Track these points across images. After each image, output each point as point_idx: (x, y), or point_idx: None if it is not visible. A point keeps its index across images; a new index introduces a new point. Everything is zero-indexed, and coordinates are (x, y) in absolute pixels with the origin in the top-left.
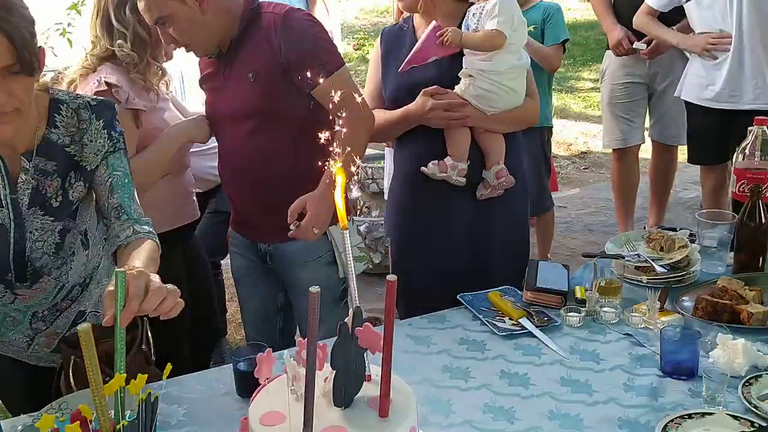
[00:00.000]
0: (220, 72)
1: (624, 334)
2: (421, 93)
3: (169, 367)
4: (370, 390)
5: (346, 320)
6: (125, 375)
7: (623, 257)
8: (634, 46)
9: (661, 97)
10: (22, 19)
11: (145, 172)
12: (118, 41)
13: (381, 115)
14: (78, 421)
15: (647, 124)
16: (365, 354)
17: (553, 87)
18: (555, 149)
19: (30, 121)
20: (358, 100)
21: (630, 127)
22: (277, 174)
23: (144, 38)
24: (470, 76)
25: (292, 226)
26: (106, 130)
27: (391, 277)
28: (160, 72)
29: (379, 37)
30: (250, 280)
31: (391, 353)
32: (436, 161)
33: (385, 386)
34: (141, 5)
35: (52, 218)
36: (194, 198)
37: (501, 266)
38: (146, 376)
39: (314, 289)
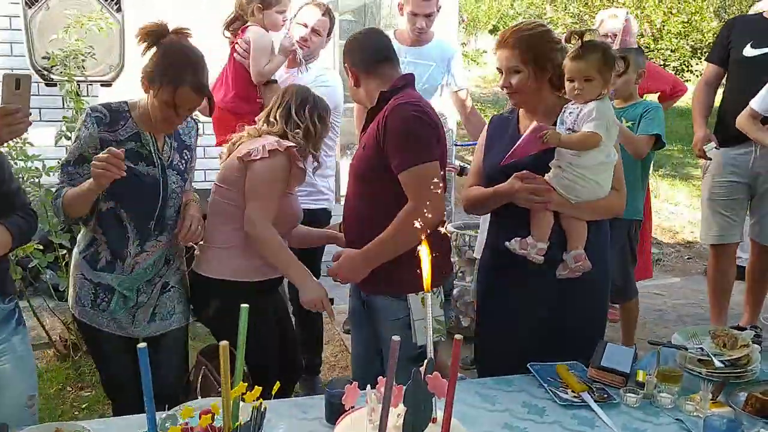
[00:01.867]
0: (361, 131)
1: (676, 419)
2: (513, 176)
3: (277, 384)
4: (434, 430)
5: (420, 368)
6: (246, 384)
7: (687, 349)
8: (705, 148)
9: (763, 197)
10: None
11: (262, 242)
12: (295, 130)
13: (475, 192)
14: (209, 414)
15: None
16: (434, 399)
17: (668, 173)
18: (660, 236)
19: None
20: (425, 204)
21: (729, 224)
22: (373, 234)
23: (311, 133)
24: (559, 167)
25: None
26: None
27: (458, 337)
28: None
29: (488, 122)
30: (357, 320)
31: (452, 398)
32: (518, 238)
33: (446, 426)
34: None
35: (180, 177)
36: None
37: (574, 344)
38: (261, 388)
39: (396, 338)
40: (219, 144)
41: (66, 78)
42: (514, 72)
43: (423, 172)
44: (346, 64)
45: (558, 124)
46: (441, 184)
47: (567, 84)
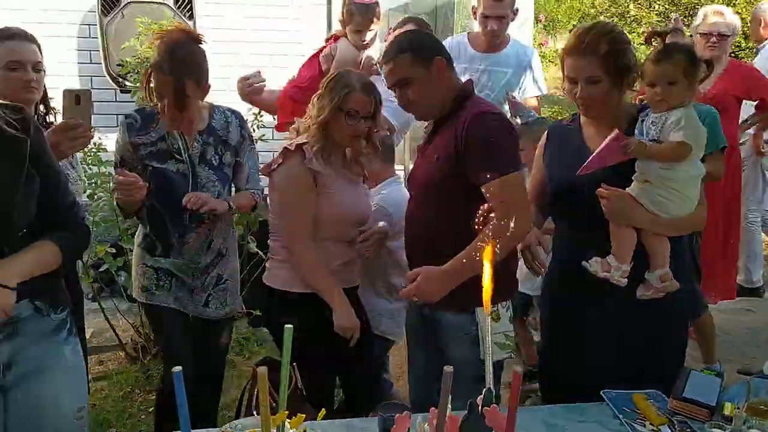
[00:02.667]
0: (425, 142)
1: None
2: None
3: (323, 411)
4: None
5: (478, 399)
6: (287, 412)
7: None
8: None
9: None
10: None
11: (296, 261)
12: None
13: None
14: None
15: None
16: None
17: None
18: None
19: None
20: (512, 216)
21: None
22: (444, 250)
23: (324, 120)
24: (647, 181)
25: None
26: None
27: (517, 369)
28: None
29: (546, 133)
30: (417, 336)
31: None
32: (599, 259)
33: None
34: (386, 68)
35: (213, 173)
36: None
37: (652, 370)
38: (303, 416)
39: (448, 368)
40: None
41: (138, 85)
42: (591, 82)
43: (511, 181)
44: None
45: (637, 134)
46: (527, 197)
47: (648, 90)
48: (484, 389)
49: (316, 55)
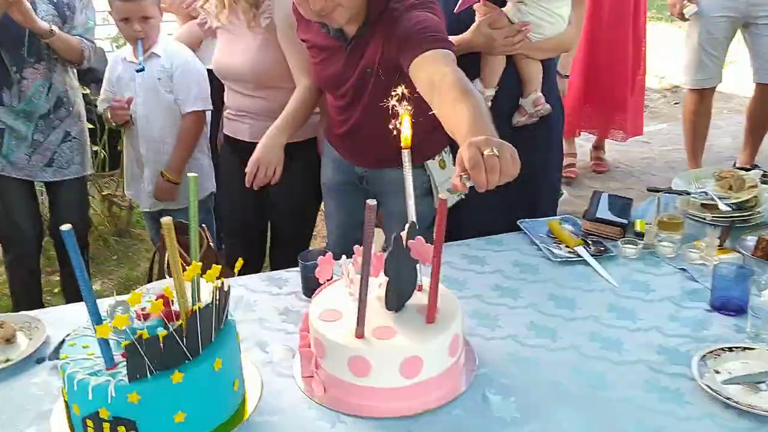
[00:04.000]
0: (337, 49)
1: (679, 268)
2: (478, 24)
3: (240, 261)
4: (420, 299)
5: (401, 233)
6: (201, 264)
7: (689, 194)
8: (684, 11)
9: (758, 34)
10: None
11: None
12: None
13: None
14: (161, 299)
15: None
16: (418, 266)
17: (653, 15)
18: (647, 81)
19: None
20: None
21: (714, 65)
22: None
23: None
24: (520, 1)
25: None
26: None
27: (443, 196)
28: None
29: None
30: (340, 194)
31: (439, 266)
32: None
33: (433, 295)
34: None
35: (53, 7)
36: None
37: (545, 190)
38: (220, 267)
39: (371, 202)
40: None
41: None
42: None
43: None
44: None
45: None
46: None
47: None
48: (408, 224)
49: None
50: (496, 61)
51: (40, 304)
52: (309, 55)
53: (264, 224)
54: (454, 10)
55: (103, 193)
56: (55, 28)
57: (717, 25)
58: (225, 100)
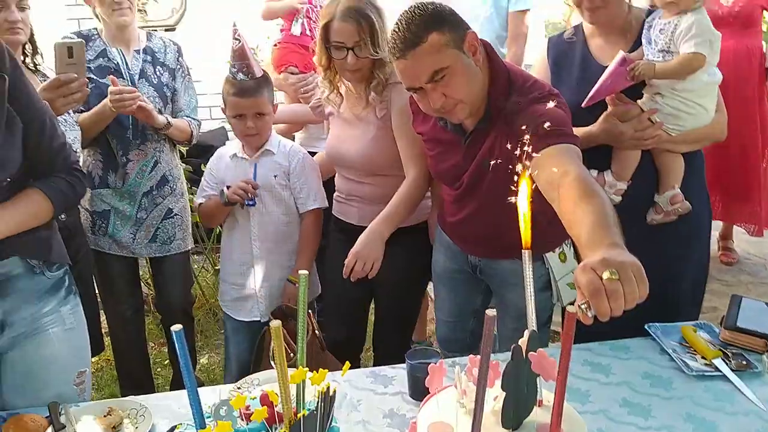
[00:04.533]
0: (455, 143)
1: None
2: (605, 116)
3: (347, 365)
4: (540, 415)
5: (520, 342)
6: (307, 369)
7: None
8: None
9: None
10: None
11: None
12: None
13: None
14: (266, 406)
15: None
16: (538, 378)
17: None
18: None
19: None
20: None
21: None
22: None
23: None
24: (658, 93)
25: None
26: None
27: (570, 309)
28: None
29: (546, 46)
30: (453, 282)
31: (565, 383)
32: (594, 173)
33: (557, 416)
34: (406, 63)
35: (154, 89)
36: None
37: (682, 300)
38: (326, 371)
39: (491, 312)
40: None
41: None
42: None
43: None
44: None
45: (644, 44)
46: None
47: None
48: (529, 332)
49: None
50: (628, 154)
51: (149, 377)
52: (425, 148)
53: (367, 304)
54: (582, 105)
55: (216, 267)
56: (171, 119)
57: None
58: (336, 182)
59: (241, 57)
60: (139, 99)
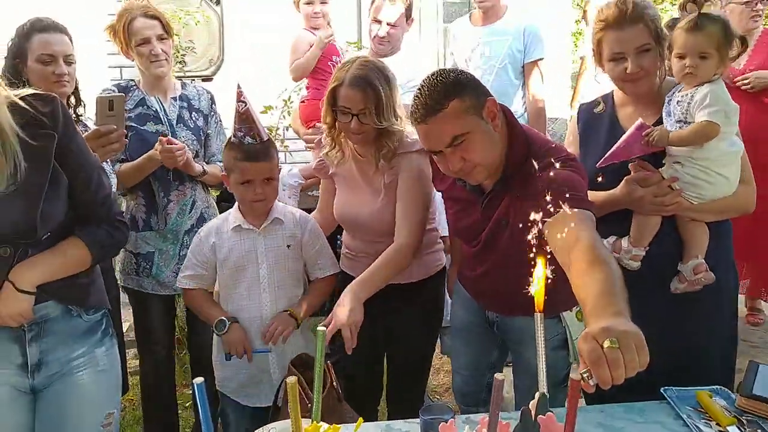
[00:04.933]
0: (474, 202)
1: None
2: (626, 180)
3: (360, 421)
4: None
5: (530, 405)
6: (321, 425)
7: None
8: None
9: None
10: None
11: None
12: None
13: None
14: None
15: None
16: None
17: None
18: None
19: None
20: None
21: None
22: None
23: None
24: (677, 162)
25: None
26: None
27: (575, 376)
28: None
29: (576, 113)
30: (470, 335)
31: None
32: (613, 238)
33: None
34: (427, 129)
35: (191, 132)
36: None
37: (707, 364)
38: (339, 427)
39: (500, 376)
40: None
41: (191, 80)
42: (643, 51)
43: None
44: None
45: (664, 116)
46: None
47: (675, 62)
48: (538, 394)
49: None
50: (647, 221)
51: (174, 421)
52: (445, 206)
53: (381, 358)
54: (597, 165)
55: None
56: (205, 166)
57: None
58: (344, 240)
59: (247, 120)
60: (185, 153)
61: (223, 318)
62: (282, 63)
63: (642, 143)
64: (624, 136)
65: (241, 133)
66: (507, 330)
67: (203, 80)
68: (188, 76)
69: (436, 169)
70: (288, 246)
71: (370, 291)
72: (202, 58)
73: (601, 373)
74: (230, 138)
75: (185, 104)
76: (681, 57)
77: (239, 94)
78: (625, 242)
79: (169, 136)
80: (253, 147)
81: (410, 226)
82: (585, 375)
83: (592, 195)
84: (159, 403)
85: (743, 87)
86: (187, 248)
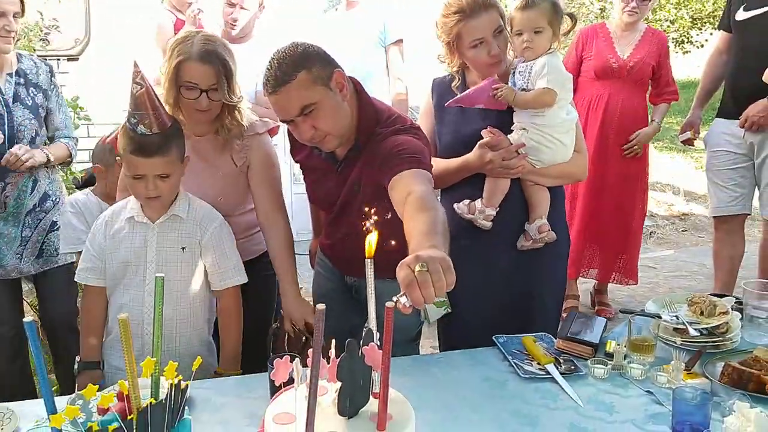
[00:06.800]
0: (329, 170)
1: (646, 391)
2: (479, 144)
3: (198, 360)
4: (375, 406)
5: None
6: (155, 360)
7: (660, 317)
8: (680, 137)
9: (761, 169)
10: None
11: None
12: None
13: (440, 164)
14: (114, 393)
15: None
16: (374, 373)
17: (665, 146)
18: (655, 208)
19: None
20: None
21: (729, 195)
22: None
23: None
24: (523, 129)
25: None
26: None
27: (389, 304)
28: None
29: (431, 87)
30: (330, 302)
31: (388, 372)
32: (467, 201)
33: (383, 402)
34: (278, 98)
35: (29, 112)
36: None
37: (542, 306)
38: (176, 364)
39: (320, 306)
40: None
41: (28, 53)
42: (498, 33)
43: None
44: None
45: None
46: None
47: (515, 39)
48: (365, 329)
49: None
50: (497, 183)
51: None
52: (303, 176)
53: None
54: (446, 104)
55: None
56: (49, 153)
57: (722, 156)
58: None
59: (141, 105)
60: (32, 158)
61: (87, 361)
62: (150, 44)
63: (489, 95)
64: (476, 86)
65: (135, 120)
66: (364, 293)
67: (68, 60)
68: (52, 56)
69: (293, 139)
70: (183, 248)
71: (295, 280)
72: (67, 37)
73: (412, 294)
74: (125, 122)
75: (22, 80)
76: (519, 34)
77: (136, 73)
78: (479, 203)
79: (5, 117)
80: (147, 139)
81: (281, 208)
82: (403, 299)
83: (450, 161)
84: (5, 379)
85: (629, 155)
86: (30, 229)
